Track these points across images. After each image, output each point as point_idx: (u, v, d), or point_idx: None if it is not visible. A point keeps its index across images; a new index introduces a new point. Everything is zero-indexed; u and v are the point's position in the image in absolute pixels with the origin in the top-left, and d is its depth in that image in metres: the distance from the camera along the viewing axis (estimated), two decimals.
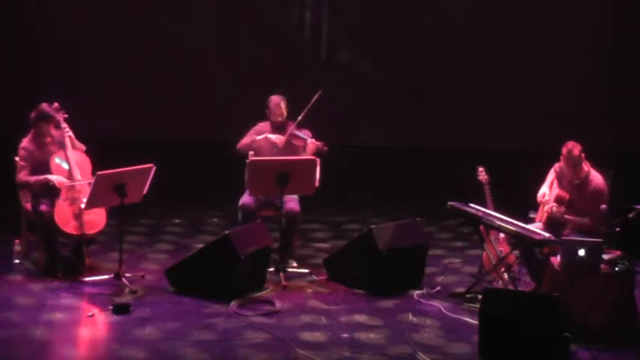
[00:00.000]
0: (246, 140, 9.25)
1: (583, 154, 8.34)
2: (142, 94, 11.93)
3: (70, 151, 8.74)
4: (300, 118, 9.15)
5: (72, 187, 8.63)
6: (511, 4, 11.90)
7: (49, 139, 8.76)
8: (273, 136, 9.16)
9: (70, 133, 8.80)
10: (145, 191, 8.60)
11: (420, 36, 12.02)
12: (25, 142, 8.77)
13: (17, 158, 8.77)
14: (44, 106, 8.75)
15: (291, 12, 12.08)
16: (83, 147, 8.92)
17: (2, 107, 11.62)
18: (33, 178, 8.64)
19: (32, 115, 8.74)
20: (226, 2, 12.09)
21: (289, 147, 9.14)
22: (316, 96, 9.10)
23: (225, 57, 11.99)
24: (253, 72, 11.89)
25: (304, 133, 9.18)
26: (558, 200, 8.40)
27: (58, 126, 8.79)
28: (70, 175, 8.70)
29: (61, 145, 8.74)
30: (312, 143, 9.05)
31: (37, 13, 11.95)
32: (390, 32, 12.03)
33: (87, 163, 8.82)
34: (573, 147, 8.31)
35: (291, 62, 12.02)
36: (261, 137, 9.19)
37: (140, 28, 11.97)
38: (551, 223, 8.41)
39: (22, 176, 8.67)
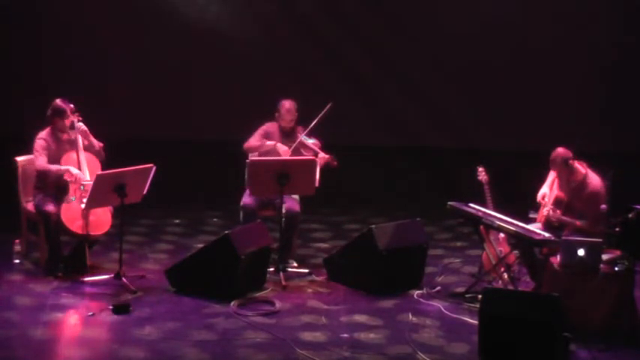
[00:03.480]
0: (255, 142, 9.20)
1: (571, 161, 8.32)
2: (142, 94, 11.95)
3: (81, 152, 8.73)
4: (309, 128, 9.11)
5: (81, 187, 8.62)
6: (511, 5, 11.92)
7: (65, 136, 8.74)
8: (282, 147, 9.12)
9: (85, 128, 8.77)
10: (145, 191, 8.59)
11: (420, 36, 12.03)
12: (43, 134, 8.74)
13: (35, 147, 8.66)
14: (59, 101, 8.74)
15: (291, 11, 12.08)
16: (100, 144, 8.89)
17: (2, 108, 11.63)
18: (54, 167, 8.60)
19: (48, 111, 8.72)
20: (227, 3, 12.11)
21: (297, 154, 9.11)
22: (325, 109, 9.07)
23: (226, 57, 12.00)
24: (253, 72, 11.90)
25: (314, 144, 9.13)
26: (557, 202, 8.40)
27: (72, 126, 8.78)
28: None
29: (74, 145, 8.74)
30: (322, 158, 9.01)
31: (38, 14, 11.96)
32: (390, 32, 12.04)
33: (97, 164, 8.80)
34: (556, 156, 8.33)
35: (291, 62, 12.03)
36: (270, 143, 9.16)
37: (141, 29, 11.98)
38: (549, 225, 8.42)
39: (43, 163, 8.61)
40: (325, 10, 12.07)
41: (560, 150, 8.35)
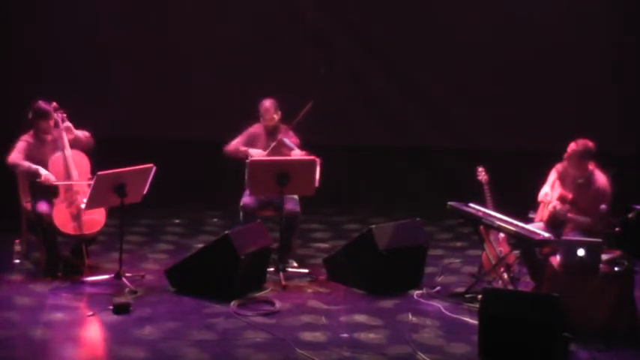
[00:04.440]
0: (232, 147, 9.23)
1: (589, 159, 8.30)
2: (142, 94, 11.94)
3: (67, 151, 8.72)
4: (291, 126, 9.12)
5: (69, 188, 8.62)
6: (511, 4, 11.91)
7: (49, 137, 8.75)
8: (255, 151, 9.13)
9: (69, 124, 8.76)
10: (145, 191, 8.60)
11: (420, 36, 12.03)
12: (26, 137, 8.74)
13: (15, 145, 8.66)
14: (40, 103, 8.73)
15: (291, 11, 12.08)
16: (87, 134, 8.89)
17: (1, 108, 11.62)
18: (26, 163, 8.57)
19: (29, 114, 8.73)
20: (228, 2, 12.11)
21: (279, 153, 9.12)
22: (306, 108, 9.07)
23: (225, 57, 12.00)
24: (253, 72, 11.90)
25: (292, 142, 9.14)
26: (561, 199, 8.39)
27: (56, 125, 8.78)
28: (67, 176, 8.69)
29: (60, 145, 8.73)
30: (295, 155, 9.02)
31: (37, 13, 11.96)
32: (390, 32, 12.04)
33: (85, 163, 8.80)
34: (583, 145, 8.27)
35: (290, 62, 12.02)
36: (244, 149, 9.16)
37: (140, 29, 11.98)
38: (553, 222, 8.40)
39: (15, 158, 8.60)
40: (325, 10, 12.07)
41: (590, 143, 8.27)
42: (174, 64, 11.97)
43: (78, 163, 8.75)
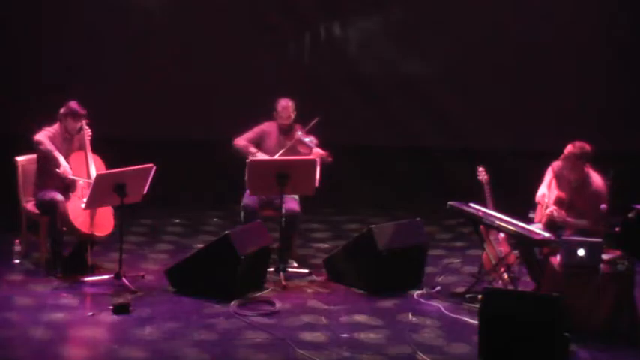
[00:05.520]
0: (243, 143, 9.18)
1: (585, 161, 8.29)
2: (142, 94, 11.95)
3: (89, 153, 8.73)
4: (307, 128, 9.12)
5: (87, 186, 8.61)
6: (511, 5, 11.92)
7: (69, 137, 8.74)
8: (261, 155, 9.05)
9: (90, 135, 8.79)
10: (145, 191, 8.59)
11: (420, 36, 12.04)
12: (52, 129, 8.71)
13: (40, 131, 8.67)
14: (74, 103, 8.73)
15: (292, 11, 12.09)
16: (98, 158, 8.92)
17: (2, 108, 11.63)
18: (51, 146, 8.53)
19: (61, 110, 8.70)
20: (228, 1, 12.11)
21: (294, 152, 9.12)
22: (312, 123, 9.06)
23: (226, 57, 12.00)
24: (254, 72, 11.90)
25: (310, 141, 9.14)
26: (558, 202, 8.39)
27: (80, 130, 8.77)
28: (87, 175, 8.70)
29: (82, 146, 8.74)
30: (316, 153, 9.02)
31: (38, 14, 11.97)
32: (389, 32, 12.05)
33: (103, 167, 8.81)
34: (580, 148, 8.26)
35: (291, 62, 12.03)
36: (254, 150, 9.11)
37: (140, 29, 11.99)
38: (551, 225, 8.41)
39: (42, 136, 8.57)
40: (326, 10, 12.08)
41: (587, 146, 8.28)
42: (175, 63, 11.97)
43: (97, 166, 8.75)
